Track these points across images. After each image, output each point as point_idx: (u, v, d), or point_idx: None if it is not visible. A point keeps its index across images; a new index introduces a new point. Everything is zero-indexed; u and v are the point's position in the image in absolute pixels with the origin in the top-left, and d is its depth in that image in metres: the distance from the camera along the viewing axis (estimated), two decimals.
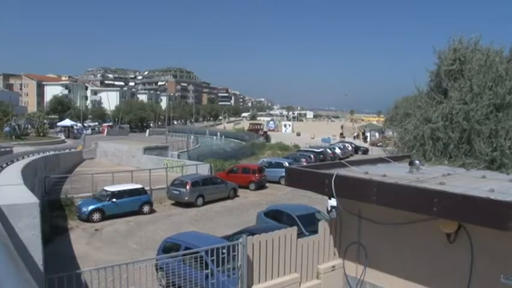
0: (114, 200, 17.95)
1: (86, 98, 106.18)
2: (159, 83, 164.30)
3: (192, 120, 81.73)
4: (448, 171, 6.72)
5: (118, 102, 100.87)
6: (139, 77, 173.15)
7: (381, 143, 54.48)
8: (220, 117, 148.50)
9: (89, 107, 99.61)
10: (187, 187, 20.40)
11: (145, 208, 18.95)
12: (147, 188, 20.23)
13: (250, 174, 25.26)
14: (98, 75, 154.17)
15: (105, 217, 17.48)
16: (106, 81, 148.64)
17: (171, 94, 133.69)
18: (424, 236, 5.70)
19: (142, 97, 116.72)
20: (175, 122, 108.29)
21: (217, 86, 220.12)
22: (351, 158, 40.08)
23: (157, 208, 19.86)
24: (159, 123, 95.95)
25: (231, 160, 31.68)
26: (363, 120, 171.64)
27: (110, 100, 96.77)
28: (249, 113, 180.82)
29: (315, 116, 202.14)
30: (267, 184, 26.24)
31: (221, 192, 22.06)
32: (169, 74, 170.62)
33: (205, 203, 20.87)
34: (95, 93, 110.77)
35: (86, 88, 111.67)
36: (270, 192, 24.72)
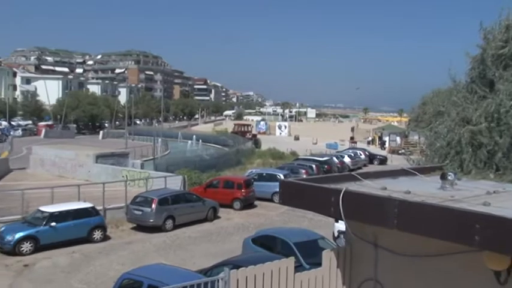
0: (52, 224, 17.68)
1: (14, 87, 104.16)
2: (117, 71, 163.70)
3: (160, 119, 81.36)
4: (495, 187, 6.69)
5: (60, 94, 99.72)
6: (90, 62, 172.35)
7: (403, 150, 54.91)
8: (196, 116, 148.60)
9: (19, 99, 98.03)
10: (153, 206, 20.43)
11: (97, 234, 18.81)
12: (99, 208, 20.15)
13: (234, 190, 25.43)
14: (32, 57, 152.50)
15: (39, 248, 17.17)
16: (43, 66, 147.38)
17: (133, 85, 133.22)
18: (462, 274, 5.65)
19: (94, 88, 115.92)
20: (138, 122, 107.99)
21: (193, 75, 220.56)
22: (365, 169, 40.35)
23: (113, 234, 19.79)
24: (117, 122, 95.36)
25: (210, 171, 31.81)
26: (379, 120, 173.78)
27: (50, 91, 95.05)
28: (233, 111, 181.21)
29: (318, 115, 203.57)
30: (256, 202, 26.44)
31: (197, 213, 22.22)
32: (130, 59, 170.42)
33: (176, 227, 20.95)
34: (27, 81, 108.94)
35: (14, 74, 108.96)
36: (259, 213, 24.85)
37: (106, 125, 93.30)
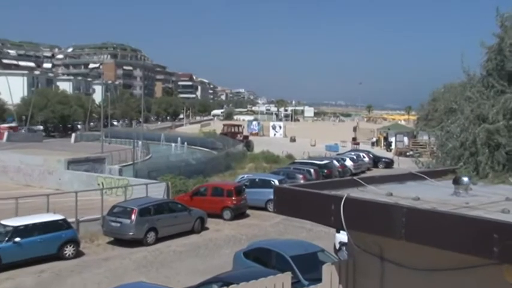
0: (16, 239, 17.52)
1: None
2: (91, 65, 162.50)
3: (141, 119, 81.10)
4: None
5: (26, 93, 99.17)
6: (60, 56, 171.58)
7: (411, 152, 55.11)
8: (181, 116, 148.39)
9: None
10: (133, 217, 20.39)
11: (68, 250, 18.71)
12: (71, 220, 20.06)
13: (224, 198, 25.50)
14: None
15: (1, 267, 16.98)
16: (5, 60, 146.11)
17: (109, 82, 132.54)
18: None
19: (65, 85, 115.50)
20: (115, 123, 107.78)
21: (177, 70, 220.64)
22: (368, 174, 40.42)
23: (88, 249, 19.69)
24: (91, 124, 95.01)
25: (196, 177, 31.88)
26: (384, 119, 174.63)
27: (13, 89, 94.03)
28: (222, 110, 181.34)
29: (316, 114, 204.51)
30: (249, 211, 26.51)
31: (182, 224, 22.26)
32: (106, 52, 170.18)
33: (159, 240, 20.93)
34: None
35: None
36: (252, 223, 24.88)
37: (79, 126, 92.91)
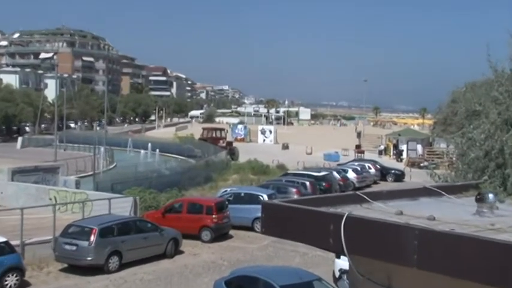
0: None
1: None
2: (42, 55, 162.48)
3: (103, 121, 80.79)
4: None
5: None
6: (3, 43, 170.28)
7: (426, 163, 55.40)
8: (152, 117, 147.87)
9: None
10: (92, 238, 20.31)
11: (10, 280, 18.48)
12: (14, 243, 19.82)
13: (203, 215, 25.56)
14: None
15: None
16: None
17: (65, 75, 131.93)
18: None
19: (10, 79, 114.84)
20: (72, 125, 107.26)
21: (148, 63, 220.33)
22: (375, 188, 40.49)
23: (35, 278, 19.44)
24: (43, 125, 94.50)
25: (170, 191, 31.92)
26: (394, 123, 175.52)
27: None
28: (202, 111, 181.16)
29: (313, 117, 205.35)
30: (232, 231, 26.60)
31: (152, 246, 22.27)
32: (61, 39, 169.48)
33: (123, 266, 20.85)
34: None
35: None
36: (236, 246, 24.91)
37: (27, 129, 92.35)
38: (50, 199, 27.58)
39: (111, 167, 50.37)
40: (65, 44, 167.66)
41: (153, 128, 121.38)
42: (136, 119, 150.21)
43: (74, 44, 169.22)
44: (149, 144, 67.06)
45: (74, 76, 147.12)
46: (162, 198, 29.43)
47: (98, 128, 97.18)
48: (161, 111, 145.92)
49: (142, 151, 64.83)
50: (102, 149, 50.95)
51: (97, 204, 25.53)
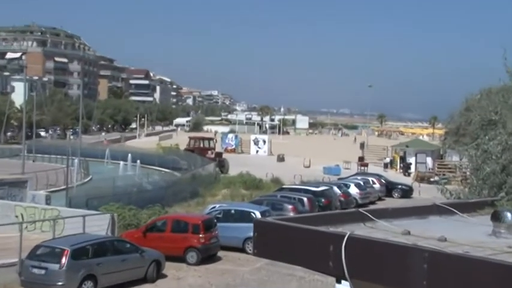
0: None
1: None
2: (9, 55, 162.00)
3: (78, 129, 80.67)
4: None
5: None
6: None
7: (436, 178, 55.56)
8: (133, 126, 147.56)
9: None
10: (63, 260, 20.10)
11: None
12: None
13: (188, 235, 25.50)
14: None
15: None
16: None
17: (35, 78, 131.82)
18: None
19: None
20: (43, 133, 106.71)
21: (129, 66, 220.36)
22: (380, 205, 40.44)
23: None
24: (9, 134, 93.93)
25: (152, 207, 31.77)
26: (402, 133, 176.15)
27: None
28: (188, 119, 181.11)
29: (312, 125, 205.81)
30: (221, 253, 26.51)
31: (132, 269, 22.17)
32: (31, 38, 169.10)
33: None
34: None
35: None
36: (225, 269, 24.82)
37: None
38: (16, 216, 27.29)
39: (86, 180, 50.10)
40: (34, 43, 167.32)
41: (134, 137, 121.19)
42: (115, 127, 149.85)
43: (45, 43, 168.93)
44: (129, 155, 66.78)
45: (45, 79, 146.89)
46: (143, 216, 29.34)
47: (71, 137, 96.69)
48: (143, 119, 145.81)
49: (121, 163, 64.54)
50: (76, 160, 50.67)
51: (70, 222, 25.28)
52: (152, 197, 36.12)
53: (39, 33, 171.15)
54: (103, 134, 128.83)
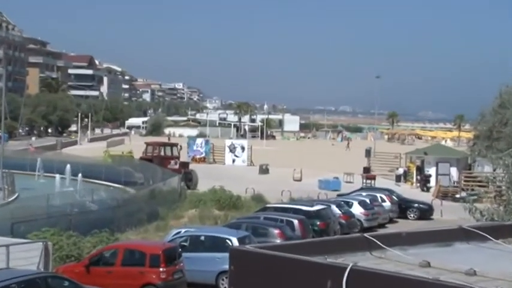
0: None
1: None
2: None
3: (0, 133, 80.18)
4: None
5: None
6: None
7: (463, 193, 55.77)
8: (74, 128, 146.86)
9: None
10: None
11: None
12: None
13: (145, 268, 25.58)
14: None
15: None
16: None
17: None
18: None
19: None
20: None
21: (67, 51, 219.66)
22: (391, 228, 40.46)
23: None
24: None
25: (98, 234, 31.70)
26: (418, 137, 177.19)
27: None
28: (146, 118, 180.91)
29: (304, 127, 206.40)
30: None
31: None
32: None
33: None
34: None
35: None
36: None
37: None
38: None
39: (10, 199, 49.71)
40: None
41: (74, 143, 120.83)
42: (50, 130, 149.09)
43: None
44: (68, 166, 66.29)
45: None
46: (87, 245, 29.29)
47: None
48: (86, 119, 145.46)
49: (57, 176, 64.14)
50: None
51: None
52: (98, 220, 36.07)
53: None
54: (33, 138, 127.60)
